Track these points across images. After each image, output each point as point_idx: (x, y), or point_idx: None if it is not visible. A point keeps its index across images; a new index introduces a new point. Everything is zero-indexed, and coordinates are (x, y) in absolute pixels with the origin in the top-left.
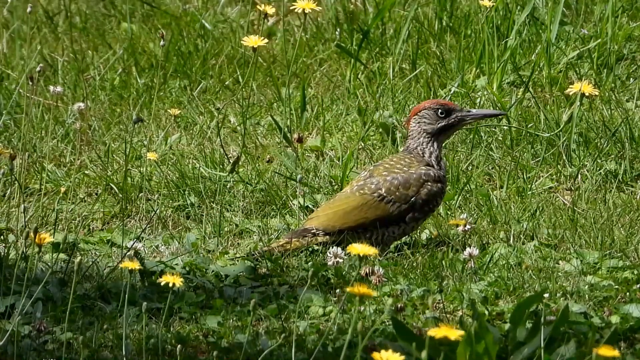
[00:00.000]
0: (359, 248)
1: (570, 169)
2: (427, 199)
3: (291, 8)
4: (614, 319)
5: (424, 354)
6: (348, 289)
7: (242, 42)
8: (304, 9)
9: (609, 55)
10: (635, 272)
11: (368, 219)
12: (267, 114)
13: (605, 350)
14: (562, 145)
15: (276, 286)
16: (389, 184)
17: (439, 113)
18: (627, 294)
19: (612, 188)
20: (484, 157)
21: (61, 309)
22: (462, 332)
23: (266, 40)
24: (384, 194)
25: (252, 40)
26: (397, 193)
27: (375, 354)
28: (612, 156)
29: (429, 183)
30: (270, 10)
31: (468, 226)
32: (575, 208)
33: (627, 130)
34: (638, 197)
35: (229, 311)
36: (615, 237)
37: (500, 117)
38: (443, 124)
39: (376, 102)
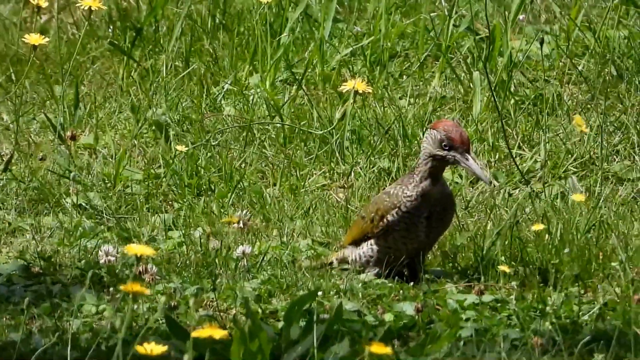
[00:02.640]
0: (136, 248)
1: (344, 167)
2: (385, 219)
3: (77, 4)
4: (388, 317)
5: (186, 357)
6: (121, 287)
7: (22, 40)
8: (90, 7)
9: (382, 53)
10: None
11: (357, 234)
12: (41, 111)
13: (377, 348)
14: (336, 143)
15: (49, 285)
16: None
17: (442, 144)
18: (401, 292)
19: (385, 186)
20: (257, 155)
21: None
22: (225, 332)
23: (47, 39)
24: (363, 213)
25: (33, 39)
26: (368, 210)
27: (139, 347)
28: (386, 154)
29: (387, 202)
30: (44, 3)
31: (241, 224)
32: (348, 206)
33: (400, 128)
34: None
35: (2, 310)
36: None
37: (486, 183)
38: (441, 154)
39: (149, 100)
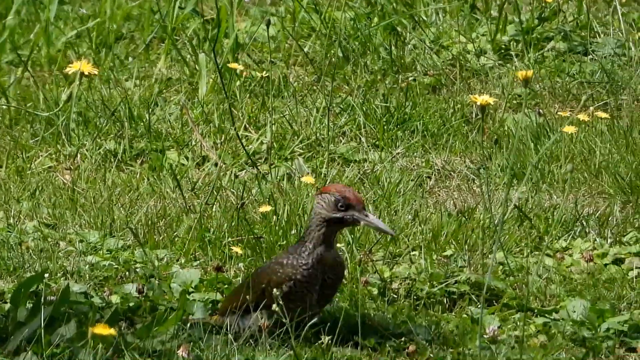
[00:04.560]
0: None
1: (70, 148)
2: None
3: None
4: (114, 298)
5: None
6: None
7: None
8: None
9: (107, 35)
10: (135, 251)
11: (242, 303)
12: None
13: (102, 329)
14: (62, 125)
15: None
16: (255, 272)
17: (338, 205)
18: (127, 273)
19: (112, 167)
20: None
21: None
22: None
23: None
24: (249, 281)
25: None
26: (256, 281)
27: None
28: (112, 135)
29: (280, 273)
30: None
31: None
32: (75, 187)
33: (126, 110)
34: (137, 176)
35: None
36: (115, 217)
37: (389, 235)
38: (338, 216)
39: None
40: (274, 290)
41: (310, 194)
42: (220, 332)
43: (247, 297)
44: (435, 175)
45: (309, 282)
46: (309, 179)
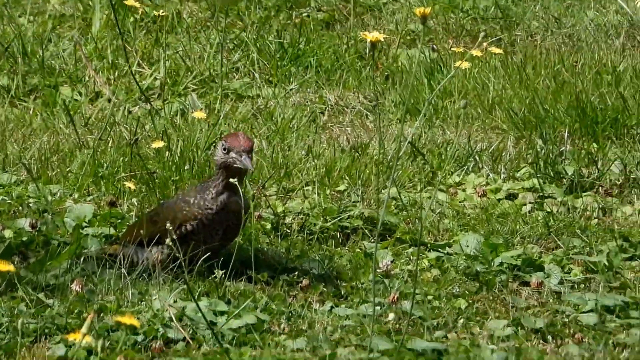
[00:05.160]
0: None
1: None
2: (184, 227)
3: None
4: (8, 233)
5: None
6: None
7: None
8: None
9: None
10: (28, 186)
11: (146, 235)
12: None
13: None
14: None
15: None
16: (160, 207)
17: (223, 149)
18: (20, 208)
19: (5, 103)
20: None
21: None
22: None
23: None
24: (153, 214)
25: None
26: (160, 215)
27: None
28: (5, 71)
29: (186, 212)
30: None
31: None
32: None
33: (19, 46)
34: (31, 112)
35: None
36: (8, 152)
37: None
38: (223, 160)
39: None
40: (167, 223)
41: (203, 130)
42: (114, 266)
43: (149, 230)
44: (328, 111)
45: (212, 226)
46: (200, 115)
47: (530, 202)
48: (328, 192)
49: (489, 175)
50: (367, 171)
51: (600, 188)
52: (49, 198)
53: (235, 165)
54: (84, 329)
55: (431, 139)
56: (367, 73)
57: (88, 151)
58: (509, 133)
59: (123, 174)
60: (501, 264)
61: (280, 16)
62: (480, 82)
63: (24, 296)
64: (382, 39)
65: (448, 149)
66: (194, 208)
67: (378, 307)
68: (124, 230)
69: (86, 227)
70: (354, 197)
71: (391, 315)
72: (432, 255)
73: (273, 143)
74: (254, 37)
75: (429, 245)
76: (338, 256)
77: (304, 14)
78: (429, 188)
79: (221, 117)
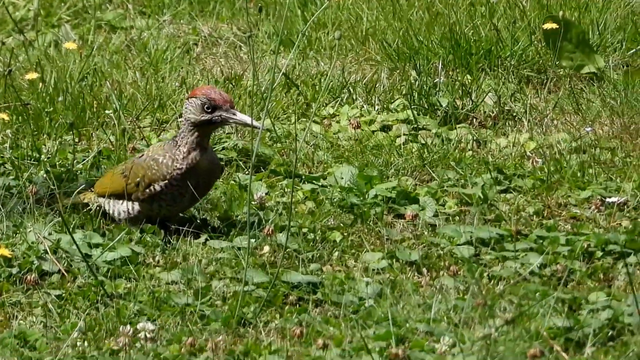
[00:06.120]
0: None
1: None
2: (152, 187)
3: None
4: None
5: None
6: None
7: None
8: None
9: None
10: None
11: (117, 190)
12: None
13: None
14: None
15: None
16: (131, 162)
17: (205, 107)
18: None
19: None
20: None
21: None
22: None
23: None
24: (124, 169)
25: None
26: (130, 172)
27: None
28: None
29: (155, 170)
30: None
31: None
32: None
33: None
34: None
35: None
36: None
37: (256, 129)
38: (206, 118)
39: None
40: (153, 186)
41: (76, 61)
42: None
43: (123, 186)
44: (202, 42)
45: (182, 185)
46: (72, 45)
47: (404, 134)
48: None
49: (363, 106)
50: (241, 102)
51: (474, 120)
52: None
53: (229, 123)
54: None
55: (305, 70)
56: (241, 4)
57: None
58: (382, 65)
59: None
60: (376, 196)
61: None
62: (354, 14)
63: None
64: None
65: (322, 80)
66: (162, 167)
67: (253, 240)
68: (97, 179)
69: None
70: (228, 129)
71: (266, 248)
72: (307, 187)
73: (147, 75)
74: None
75: (303, 177)
76: (213, 188)
77: None
78: (303, 119)
79: (94, 49)
